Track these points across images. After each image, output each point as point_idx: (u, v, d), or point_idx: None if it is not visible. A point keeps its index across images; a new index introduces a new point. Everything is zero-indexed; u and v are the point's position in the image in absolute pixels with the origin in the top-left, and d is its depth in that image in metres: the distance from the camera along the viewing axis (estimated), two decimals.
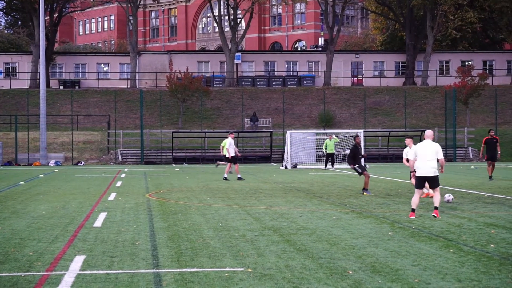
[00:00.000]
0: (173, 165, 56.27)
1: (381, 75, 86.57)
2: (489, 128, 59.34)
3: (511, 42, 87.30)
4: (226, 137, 36.53)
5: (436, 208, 18.06)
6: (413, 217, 17.88)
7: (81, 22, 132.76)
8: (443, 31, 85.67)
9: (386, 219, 17.68)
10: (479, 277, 10.44)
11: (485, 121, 71.84)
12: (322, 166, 48.56)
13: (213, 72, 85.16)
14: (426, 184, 20.85)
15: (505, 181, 32.21)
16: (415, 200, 18.20)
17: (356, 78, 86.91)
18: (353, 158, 25.82)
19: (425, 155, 18.13)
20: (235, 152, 35.68)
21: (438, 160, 18.26)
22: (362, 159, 26.29)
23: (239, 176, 34.98)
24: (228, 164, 35.74)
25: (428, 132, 18.55)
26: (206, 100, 72.59)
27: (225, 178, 34.40)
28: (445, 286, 9.86)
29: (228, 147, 35.55)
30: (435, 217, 17.75)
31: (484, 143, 33.82)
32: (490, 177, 32.95)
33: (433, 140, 18.57)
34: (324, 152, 47.83)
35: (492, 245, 13.31)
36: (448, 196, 21.44)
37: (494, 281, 10.19)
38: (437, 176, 18.23)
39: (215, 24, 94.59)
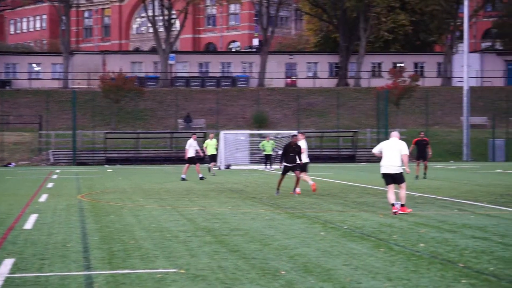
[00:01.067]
0: (106, 166, 55.77)
1: (315, 76, 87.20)
2: (420, 129, 60.11)
3: (442, 45, 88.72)
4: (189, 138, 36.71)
5: (402, 205, 18.85)
6: (395, 210, 18.62)
7: (12, 21, 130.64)
8: (376, 33, 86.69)
9: (319, 219, 17.81)
10: (409, 276, 10.58)
11: (416, 122, 72.87)
12: (256, 167, 48.67)
13: (147, 72, 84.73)
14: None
15: (435, 181, 32.72)
16: (390, 196, 18.94)
17: (290, 79, 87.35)
18: (282, 155, 25.58)
19: (389, 152, 18.87)
20: (198, 152, 35.48)
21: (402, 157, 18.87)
22: (299, 159, 25.48)
23: (200, 176, 34.68)
24: (186, 164, 35.63)
25: (395, 133, 19.48)
26: (140, 101, 72.13)
27: (183, 179, 34.09)
28: (376, 285, 9.96)
29: (188, 147, 35.51)
30: (403, 212, 18.63)
31: (414, 144, 34.71)
32: (417, 177, 34.06)
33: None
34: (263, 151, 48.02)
35: (422, 244, 13.50)
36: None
37: (423, 279, 10.34)
38: (401, 172, 18.97)
39: (149, 25, 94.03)
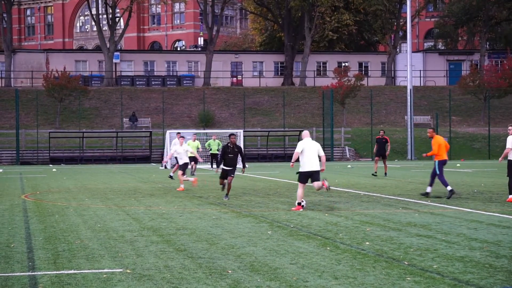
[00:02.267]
0: (50, 165, 55.13)
1: (260, 75, 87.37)
2: (366, 128, 60.70)
3: (385, 44, 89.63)
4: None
5: (324, 182, 19.74)
6: (301, 210, 19.44)
7: None
8: (320, 32, 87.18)
9: (265, 218, 17.85)
10: (354, 274, 10.66)
11: (361, 121, 73.49)
12: (202, 166, 48.58)
13: (91, 71, 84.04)
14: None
15: (380, 179, 33.02)
16: (300, 193, 19.77)
17: (235, 78, 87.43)
18: (220, 157, 23.81)
19: (309, 152, 19.68)
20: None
21: (319, 157, 19.79)
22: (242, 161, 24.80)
23: (171, 174, 33.82)
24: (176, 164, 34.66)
25: (306, 132, 20.19)
26: (84, 100, 71.52)
27: (171, 177, 33.25)
28: (322, 284, 10.02)
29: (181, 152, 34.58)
30: (326, 188, 19.81)
31: (376, 142, 36.53)
32: (375, 174, 35.79)
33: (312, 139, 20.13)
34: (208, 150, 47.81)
35: (367, 243, 13.62)
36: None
37: (369, 277, 10.43)
38: (319, 171, 19.78)
39: (93, 23, 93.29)
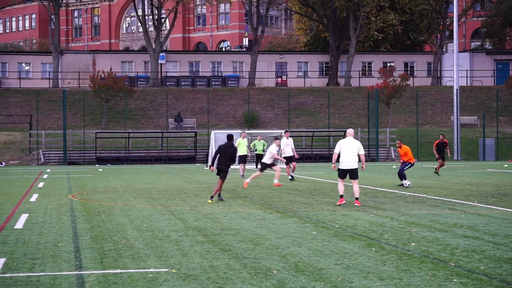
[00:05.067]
0: (97, 165, 55.67)
1: (305, 76, 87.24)
2: (412, 129, 60.40)
3: (431, 44, 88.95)
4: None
5: (357, 198, 20.86)
6: (344, 202, 20.84)
7: (1, 20, 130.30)
8: (366, 32, 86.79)
9: (310, 218, 17.82)
10: (400, 275, 10.60)
11: (406, 122, 73.02)
12: (247, 166, 48.60)
13: (137, 72, 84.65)
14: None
15: (426, 180, 32.78)
16: (341, 187, 21.01)
17: (280, 79, 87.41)
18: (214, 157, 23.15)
19: (348, 150, 20.66)
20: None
21: (359, 156, 20.77)
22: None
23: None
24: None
25: (350, 131, 21.18)
26: (130, 100, 72.07)
27: (291, 178, 32.84)
28: (368, 285, 9.98)
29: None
30: (357, 206, 20.45)
31: (435, 146, 37.68)
32: (437, 173, 37.48)
33: (355, 138, 21.24)
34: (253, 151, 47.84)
35: (413, 244, 13.53)
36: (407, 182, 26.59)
37: (414, 278, 10.36)
38: (357, 168, 20.82)
39: (139, 24, 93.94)
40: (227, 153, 22.59)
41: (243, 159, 38.17)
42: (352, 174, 20.85)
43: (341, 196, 21.02)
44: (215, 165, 22.71)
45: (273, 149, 28.46)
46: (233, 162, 22.87)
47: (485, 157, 61.89)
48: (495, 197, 23.69)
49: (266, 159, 28.67)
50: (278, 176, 28.74)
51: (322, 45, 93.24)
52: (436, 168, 37.78)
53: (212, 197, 22.59)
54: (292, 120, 71.33)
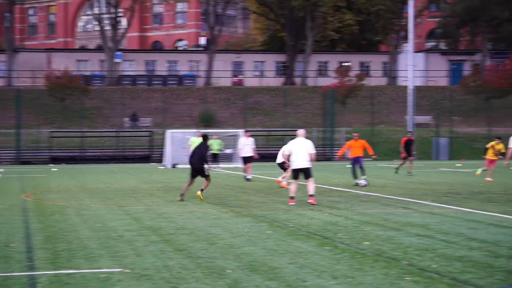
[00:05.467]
0: (51, 165, 55.15)
1: (262, 75, 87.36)
2: (367, 128, 60.86)
3: (387, 44, 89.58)
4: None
5: (311, 195, 20.99)
6: (293, 203, 20.77)
7: None
8: (322, 32, 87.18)
9: (265, 218, 17.85)
10: (353, 274, 10.67)
11: (362, 121, 73.43)
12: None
13: (93, 71, 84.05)
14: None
15: (380, 179, 33.02)
16: (293, 188, 21.17)
17: (236, 78, 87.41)
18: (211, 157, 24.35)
19: (299, 150, 20.98)
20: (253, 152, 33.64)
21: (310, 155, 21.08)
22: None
23: (248, 177, 32.84)
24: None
25: (300, 131, 21.54)
26: (86, 99, 71.48)
27: (248, 179, 32.64)
28: (321, 283, 10.02)
29: (242, 146, 33.80)
30: (311, 203, 20.66)
31: (403, 143, 37.83)
32: (397, 171, 37.73)
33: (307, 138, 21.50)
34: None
35: (367, 242, 13.62)
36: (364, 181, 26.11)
37: (367, 277, 10.43)
38: (310, 167, 21.05)
39: (96, 23, 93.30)
40: (199, 153, 23.00)
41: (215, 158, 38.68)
42: (307, 173, 21.09)
43: (292, 198, 21.10)
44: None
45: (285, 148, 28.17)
46: (204, 160, 22.96)
47: (438, 157, 62.54)
48: (448, 196, 23.95)
49: (280, 160, 28.85)
50: (287, 177, 27.97)
51: (279, 44, 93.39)
52: (401, 165, 37.97)
53: (202, 190, 22.97)
54: (248, 119, 71.37)
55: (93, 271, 11.06)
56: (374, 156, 31.66)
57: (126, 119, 70.09)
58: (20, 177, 37.61)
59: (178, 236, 14.69)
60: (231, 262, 11.70)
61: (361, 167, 29.44)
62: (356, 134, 30.65)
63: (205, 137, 23.83)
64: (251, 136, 35.50)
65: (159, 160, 56.51)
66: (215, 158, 47.39)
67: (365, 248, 12.97)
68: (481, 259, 11.82)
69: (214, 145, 45.68)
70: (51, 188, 29.09)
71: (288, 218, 17.76)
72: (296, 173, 21.24)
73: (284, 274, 10.73)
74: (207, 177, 23.13)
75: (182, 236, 14.61)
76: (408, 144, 37.39)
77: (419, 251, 12.66)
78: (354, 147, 29.87)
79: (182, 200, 22.50)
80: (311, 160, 21.14)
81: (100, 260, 12.03)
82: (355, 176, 29.51)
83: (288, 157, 21.32)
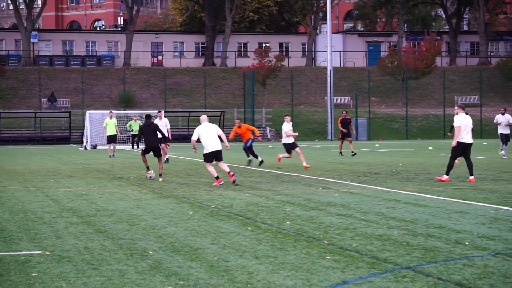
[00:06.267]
0: None
1: (181, 56, 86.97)
2: (286, 109, 61.18)
3: (305, 25, 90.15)
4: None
5: (229, 172, 21.17)
6: (222, 182, 20.98)
7: None
8: (241, 13, 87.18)
9: (186, 199, 17.83)
10: (275, 254, 10.74)
11: (282, 102, 73.89)
12: (123, 147, 48.20)
13: (8, 50, 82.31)
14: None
15: (299, 161, 33.26)
16: (212, 170, 21.32)
17: (156, 59, 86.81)
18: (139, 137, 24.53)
19: (208, 134, 21.25)
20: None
21: (220, 137, 21.48)
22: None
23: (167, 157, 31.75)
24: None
25: (203, 117, 21.92)
26: (1, 80, 70.10)
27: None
28: (243, 263, 10.07)
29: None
30: (232, 179, 21.01)
31: (339, 122, 37.15)
32: (341, 153, 36.95)
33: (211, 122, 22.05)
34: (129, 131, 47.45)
35: (288, 222, 13.72)
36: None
37: (289, 256, 10.52)
38: (221, 150, 21.43)
39: (9, 1, 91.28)
40: (150, 132, 23.51)
41: (112, 139, 37.93)
42: (218, 156, 21.38)
43: (217, 178, 21.13)
44: (143, 146, 23.97)
45: (285, 127, 28.35)
46: (158, 138, 23.69)
47: (357, 137, 63.39)
48: (367, 175, 24.30)
49: (285, 140, 28.70)
50: (303, 158, 28.40)
51: (198, 25, 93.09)
52: (339, 148, 37.50)
53: (160, 175, 23.48)
54: (169, 100, 71.04)
55: (12, 254, 10.87)
56: (260, 139, 32.56)
57: (44, 100, 68.98)
58: None
59: (99, 217, 14.56)
60: (153, 243, 11.66)
61: (246, 149, 29.99)
62: (237, 120, 30.79)
63: (148, 116, 24.21)
64: (166, 117, 35.19)
65: (79, 141, 55.93)
66: (136, 139, 47.05)
67: (286, 228, 13.06)
68: (400, 237, 12.03)
69: (135, 126, 45.38)
70: None
71: (210, 198, 17.77)
72: (210, 157, 21.40)
73: (206, 254, 10.74)
74: (159, 156, 23.82)
75: (103, 218, 14.48)
76: (344, 124, 36.85)
77: (339, 230, 12.82)
78: (240, 133, 30.07)
79: (151, 176, 23.30)
80: (224, 141, 21.65)
81: (19, 242, 11.83)
82: (255, 156, 29.96)
83: (194, 142, 21.63)
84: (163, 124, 32.62)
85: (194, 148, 22.18)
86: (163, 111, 35.39)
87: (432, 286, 8.64)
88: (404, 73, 73.11)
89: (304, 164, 27.98)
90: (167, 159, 32.20)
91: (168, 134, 32.26)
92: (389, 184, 21.20)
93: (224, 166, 21.43)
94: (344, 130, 36.69)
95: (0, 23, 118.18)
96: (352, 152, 36.45)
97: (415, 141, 60.78)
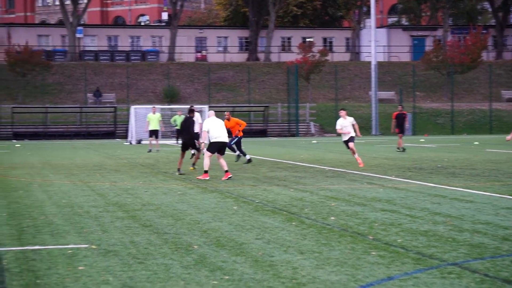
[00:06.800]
0: (14, 141, 54.67)
1: (225, 51, 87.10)
2: (330, 104, 60.98)
3: (349, 20, 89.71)
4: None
5: (227, 171, 21.57)
6: (207, 178, 21.34)
7: None
8: (285, 7, 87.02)
9: (231, 193, 17.87)
10: (320, 249, 10.72)
11: (325, 97, 73.66)
12: (167, 142, 48.45)
13: (55, 46, 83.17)
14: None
15: (345, 155, 33.13)
16: (207, 162, 21.70)
17: (200, 54, 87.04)
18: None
19: (218, 127, 21.87)
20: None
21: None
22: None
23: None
24: None
25: (211, 112, 22.81)
26: (48, 75, 70.85)
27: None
28: (288, 259, 10.07)
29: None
30: (229, 178, 21.21)
31: (394, 117, 36.45)
32: (399, 148, 35.78)
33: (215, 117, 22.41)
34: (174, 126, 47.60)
35: (333, 218, 13.69)
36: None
37: (334, 252, 10.50)
38: (226, 143, 22.33)
39: None
40: (185, 127, 24.21)
41: (154, 133, 38.05)
42: (222, 149, 22.08)
43: (206, 172, 21.58)
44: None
45: (337, 123, 27.06)
46: (194, 133, 24.30)
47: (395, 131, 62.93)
48: (412, 171, 24.14)
49: (345, 137, 27.11)
50: (357, 155, 26.79)
51: (241, 20, 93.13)
52: (398, 144, 36.11)
53: (193, 164, 24.80)
54: (213, 95, 71.24)
55: (59, 247, 10.99)
56: (240, 134, 29.25)
57: (89, 94, 69.59)
58: None
59: (144, 212, 14.66)
60: (198, 237, 11.70)
61: (229, 146, 27.72)
62: (227, 113, 29.29)
63: (190, 111, 24.69)
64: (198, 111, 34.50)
65: (124, 136, 56.32)
66: (180, 134, 47.22)
67: (331, 223, 13.03)
68: (445, 233, 11.94)
69: (179, 121, 45.51)
70: (15, 164, 28.85)
71: (254, 193, 17.79)
72: (214, 148, 21.85)
73: (251, 249, 10.75)
74: (198, 149, 24.40)
75: (148, 212, 14.58)
76: (400, 119, 36.15)
77: (384, 225, 12.76)
78: (228, 126, 27.95)
79: (181, 174, 23.31)
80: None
81: (66, 236, 11.96)
82: (242, 153, 28.96)
83: (206, 135, 22.05)
84: (195, 119, 31.75)
85: (203, 142, 23.06)
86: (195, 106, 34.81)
87: (479, 282, 8.56)
88: (450, 68, 72.45)
89: (358, 160, 26.46)
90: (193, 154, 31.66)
91: (200, 130, 31.56)
92: (435, 179, 21.04)
93: (223, 162, 21.81)
94: (396, 129, 36.07)
95: (47, 19, 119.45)
96: (399, 147, 35.88)
97: (460, 136, 60.24)
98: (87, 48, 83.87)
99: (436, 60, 73.47)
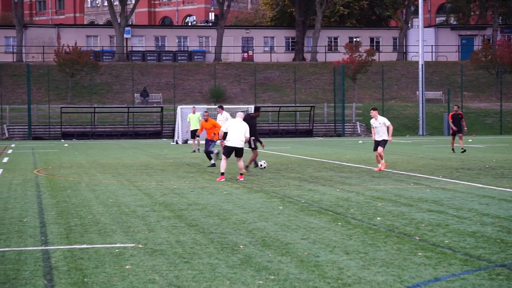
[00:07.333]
0: (62, 140, 55.31)
1: (271, 51, 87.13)
2: (376, 104, 60.72)
3: (397, 19, 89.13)
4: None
5: (241, 174, 21.59)
6: (223, 179, 21.08)
7: None
8: (332, 7, 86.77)
9: (276, 193, 17.87)
10: (366, 249, 10.67)
11: (372, 97, 73.30)
12: None
13: (103, 46, 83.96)
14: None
15: (392, 155, 32.96)
16: (223, 165, 21.41)
17: (246, 54, 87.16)
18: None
19: (236, 129, 21.39)
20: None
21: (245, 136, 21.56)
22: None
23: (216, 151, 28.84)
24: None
25: (240, 113, 22.17)
26: (96, 75, 71.53)
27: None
28: (334, 259, 10.04)
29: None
30: (241, 180, 21.07)
31: (450, 118, 35.99)
32: (453, 150, 35.18)
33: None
34: None
35: (379, 218, 13.62)
36: (264, 163, 24.00)
37: (380, 252, 10.44)
38: (243, 148, 21.63)
39: None
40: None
41: (195, 134, 37.50)
42: (238, 152, 21.59)
43: (222, 174, 21.40)
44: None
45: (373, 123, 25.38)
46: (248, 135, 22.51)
47: (449, 132, 62.42)
48: (460, 171, 23.92)
49: (377, 137, 25.83)
50: (383, 161, 24.92)
51: (288, 20, 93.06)
52: (452, 144, 35.61)
53: (247, 167, 23.79)
54: (259, 95, 71.30)
55: (106, 246, 11.10)
56: (216, 137, 26.41)
57: (136, 95, 70.10)
58: (32, 152, 37.72)
59: (190, 211, 14.73)
60: (244, 237, 11.72)
61: (207, 152, 26.65)
62: (206, 113, 27.91)
63: (255, 109, 24.90)
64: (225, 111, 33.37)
65: (170, 136, 56.64)
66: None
67: (377, 224, 12.97)
68: (494, 234, 11.81)
69: (192, 119, 45.52)
70: (63, 164, 29.18)
71: (300, 194, 17.77)
72: (228, 152, 21.53)
73: (297, 249, 10.74)
74: (253, 149, 24.06)
75: (194, 212, 14.64)
76: (456, 119, 35.44)
77: (431, 226, 12.66)
78: (205, 127, 27.25)
79: (246, 172, 23.11)
80: (246, 140, 21.78)
81: (113, 235, 12.07)
82: (209, 157, 26.82)
83: (223, 134, 22.12)
84: (223, 119, 30.81)
85: (221, 140, 23.06)
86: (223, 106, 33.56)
87: None
88: (499, 67, 71.61)
89: (379, 166, 24.71)
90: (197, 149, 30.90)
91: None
92: (483, 180, 20.82)
93: (241, 164, 21.74)
94: (454, 127, 35.32)
95: (95, 19, 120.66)
96: (462, 148, 34.90)
97: (509, 136, 59.51)
98: (134, 49, 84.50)
99: (485, 59, 72.69)
